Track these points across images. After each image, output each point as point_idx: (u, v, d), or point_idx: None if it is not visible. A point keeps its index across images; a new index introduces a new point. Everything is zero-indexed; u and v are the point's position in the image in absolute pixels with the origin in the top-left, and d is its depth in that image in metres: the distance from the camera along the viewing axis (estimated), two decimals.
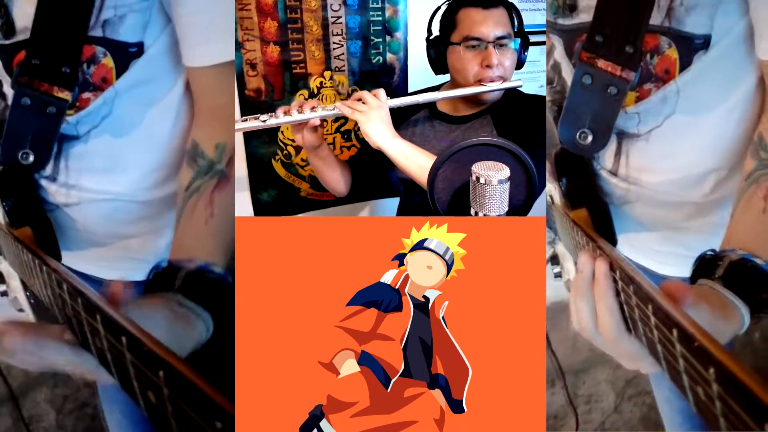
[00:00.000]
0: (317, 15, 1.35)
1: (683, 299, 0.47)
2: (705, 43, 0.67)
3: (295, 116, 1.00)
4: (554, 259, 0.91)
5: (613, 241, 0.75)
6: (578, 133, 0.72)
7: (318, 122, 1.02)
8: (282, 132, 1.42)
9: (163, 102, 0.75)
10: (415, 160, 0.96)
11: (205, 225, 0.67)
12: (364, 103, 0.99)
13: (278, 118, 0.99)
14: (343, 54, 1.41)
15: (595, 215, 0.74)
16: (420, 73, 1.47)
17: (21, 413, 1.35)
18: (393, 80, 1.48)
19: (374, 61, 1.45)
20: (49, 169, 0.74)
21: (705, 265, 0.55)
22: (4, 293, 0.82)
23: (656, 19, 0.67)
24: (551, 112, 0.77)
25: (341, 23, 1.38)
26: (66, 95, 0.68)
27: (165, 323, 0.54)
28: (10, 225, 0.71)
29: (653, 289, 0.46)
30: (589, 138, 0.72)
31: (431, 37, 1.10)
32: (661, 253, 0.84)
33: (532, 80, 1.16)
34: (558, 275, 0.91)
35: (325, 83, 1.42)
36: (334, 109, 1.00)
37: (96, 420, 1.48)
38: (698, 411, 0.39)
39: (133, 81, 0.72)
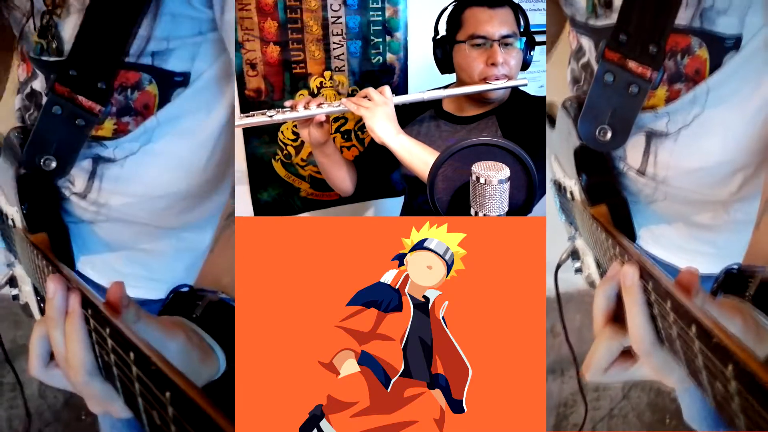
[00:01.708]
0: (317, 15, 1.35)
1: (695, 288, 0.46)
2: (736, 43, 0.67)
3: (302, 112, 1.00)
4: (574, 254, 0.91)
5: (632, 237, 0.75)
6: (598, 130, 0.72)
7: (324, 118, 1.03)
8: (282, 132, 1.42)
9: (204, 133, 0.75)
10: (419, 157, 0.95)
11: None
12: (369, 99, 0.99)
13: (284, 114, 1.00)
14: (343, 54, 1.41)
15: (615, 211, 0.74)
16: (420, 73, 1.47)
17: None
18: (393, 80, 1.48)
19: (374, 61, 1.45)
20: (80, 187, 0.74)
21: (732, 281, 0.54)
22: (16, 297, 0.82)
23: (687, 19, 0.67)
24: (572, 110, 0.77)
25: (341, 23, 1.38)
26: (97, 110, 0.68)
27: (179, 352, 0.53)
28: (27, 230, 0.71)
29: (672, 285, 0.46)
30: (609, 135, 0.72)
31: (437, 37, 1.10)
32: (687, 251, 0.84)
33: (532, 80, 1.16)
34: (578, 270, 0.91)
35: (325, 83, 1.41)
36: (340, 105, 1.01)
37: None
38: (716, 407, 0.39)
39: (175, 112, 0.72)
